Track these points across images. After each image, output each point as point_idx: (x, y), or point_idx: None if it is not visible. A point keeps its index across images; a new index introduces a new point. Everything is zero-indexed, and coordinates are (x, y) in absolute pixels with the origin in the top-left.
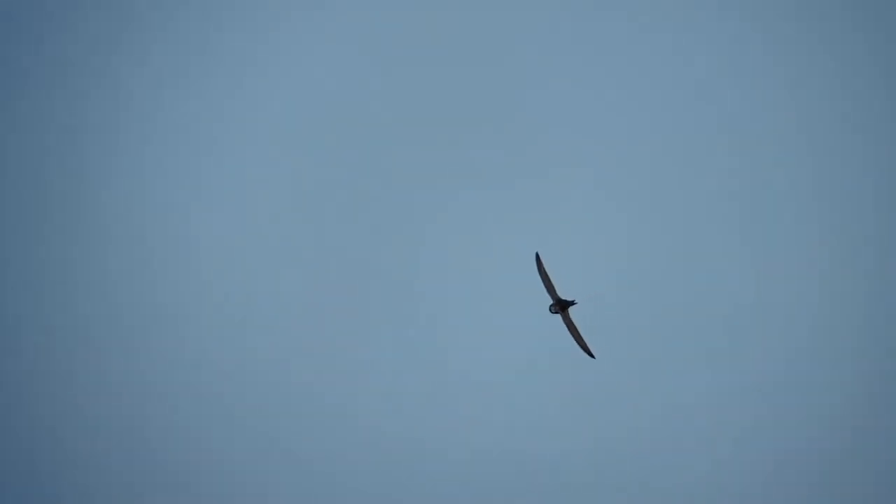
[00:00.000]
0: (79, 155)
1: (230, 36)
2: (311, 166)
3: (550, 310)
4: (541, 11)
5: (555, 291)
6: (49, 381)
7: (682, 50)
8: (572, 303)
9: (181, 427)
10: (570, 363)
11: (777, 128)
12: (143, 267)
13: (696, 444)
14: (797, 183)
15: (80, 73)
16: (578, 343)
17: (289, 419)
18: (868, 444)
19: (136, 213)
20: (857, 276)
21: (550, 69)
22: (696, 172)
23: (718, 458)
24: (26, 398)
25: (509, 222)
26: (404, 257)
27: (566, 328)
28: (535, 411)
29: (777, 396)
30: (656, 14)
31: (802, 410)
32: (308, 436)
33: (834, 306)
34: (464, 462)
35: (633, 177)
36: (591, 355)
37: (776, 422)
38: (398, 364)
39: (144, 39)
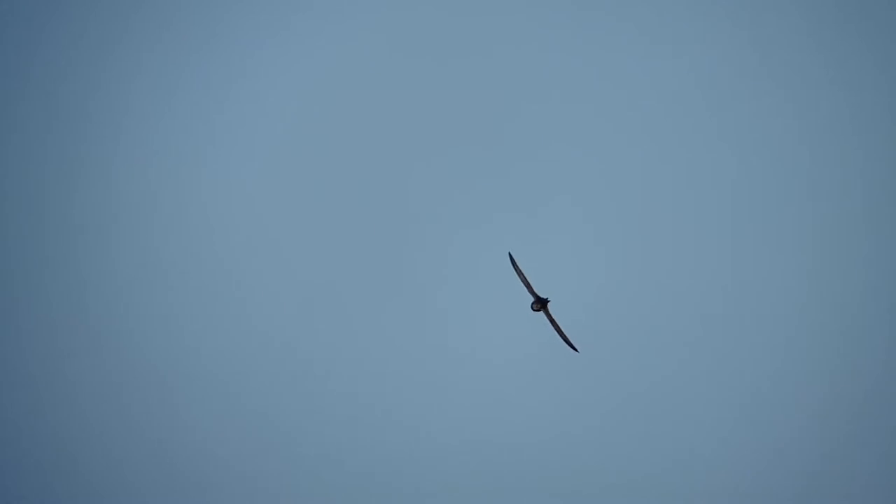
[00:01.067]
0: (81, 150)
1: (233, 32)
2: (320, 167)
3: (532, 307)
4: (534, 26)
5: (532, 289)
6: (51, 381)
7: (668, 58)
8: (547, 300)
9: (185, 423)
10: (562, 360)
11: (766, 133)
12: (154, 265)
13: (686, 438)
14: (786, 186)
15: (86, 59)
16: (562, 338)
17: (294, 410)
18: (857, 441)
19: (147, 209)
20: (841, 276)
21: (543, 77)
22: (684, 173)
23: (708, 453)
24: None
25: (504, 221)
26: (404, 257)
27: (550, 325)
28: (533, 406)
29: (764, 389)
30: (645, 26)
31: (789, 406)
32: (313, 429)
33: (819, 306)
34: (468, 456)
35: (623, 181)
36: (574, 349)
37: (764, 416)
38: (403, 363)
39: (151, 34)
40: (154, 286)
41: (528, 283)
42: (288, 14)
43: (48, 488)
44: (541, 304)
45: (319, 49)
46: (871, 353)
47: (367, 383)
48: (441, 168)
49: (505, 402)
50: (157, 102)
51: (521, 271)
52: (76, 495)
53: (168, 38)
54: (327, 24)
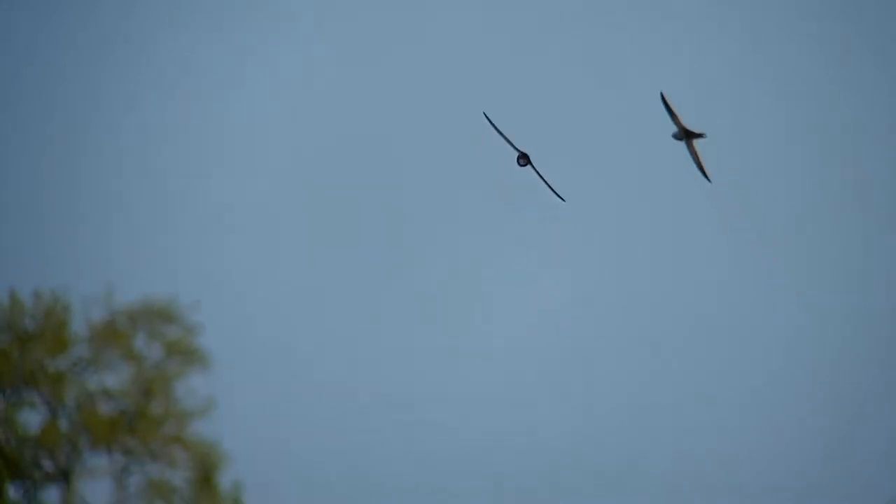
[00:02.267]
0: (84, 151)
1: (238, 33)
2: (320, 166)
3: (518, 163)
4: (533, 25)
5: (513, 144)
6: None
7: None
8: (527, 154)
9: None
10: (563, 360)
11: (766, 133)
12: (153, 265)
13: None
14: (785, 185)
15: (90, 60)
16: (549, 188)
17: (294, 410)
18: (857, 441)
19: (149, 209)
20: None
21: (541, 75)
22: (683, 172)
23: (708, 452)
24: None
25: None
26: (402, 257)
27: (537, 177)
28: (534, 406)
29: (764, 389)
30: (644, 25)
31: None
32: (313, 429)
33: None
34: (468, 456)
35: (624, 181)
36: (561, 198)
37: (764, 416)
38: (404, 363)
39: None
40: (153, 286)
41: (509, 140)
42: (292, 17)
43: None
44: (525, 158)
45: (322, 52)
46: (871, 353)
47: (366, 383)
48: (440, 167)
49: (505, 402)
50: (162, 104)
51: (498, 129)
52: None
53: (172, 39)
54: (329, 26)
